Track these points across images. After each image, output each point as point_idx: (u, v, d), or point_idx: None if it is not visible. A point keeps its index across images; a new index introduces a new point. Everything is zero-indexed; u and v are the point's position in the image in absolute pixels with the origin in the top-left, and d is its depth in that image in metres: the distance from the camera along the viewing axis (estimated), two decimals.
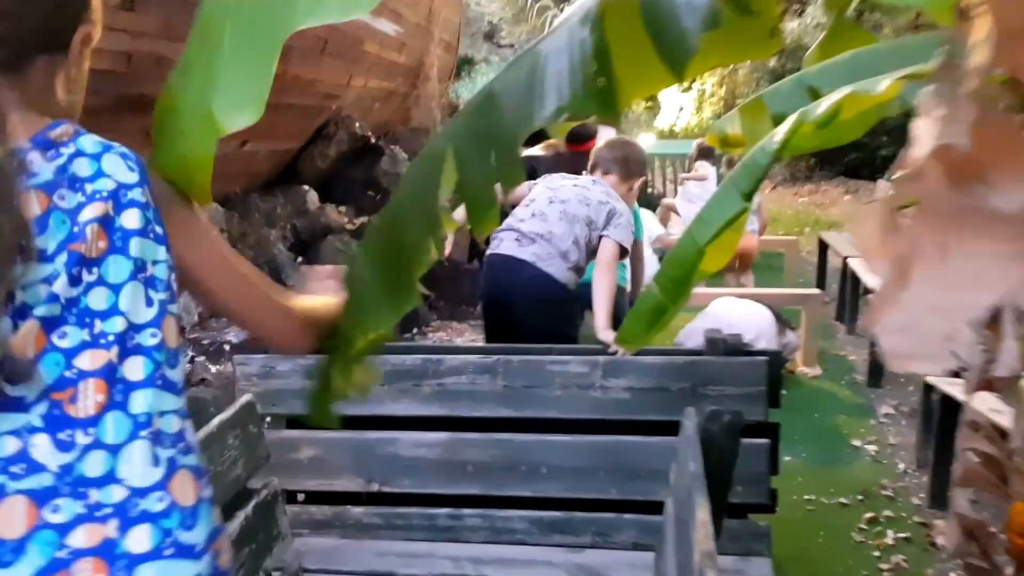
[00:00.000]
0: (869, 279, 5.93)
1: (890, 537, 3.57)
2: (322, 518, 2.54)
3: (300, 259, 5.47)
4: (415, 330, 6.18)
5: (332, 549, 2.46)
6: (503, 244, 3.56)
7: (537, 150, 5.83)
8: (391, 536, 2.50)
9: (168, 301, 1.09)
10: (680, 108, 16.53)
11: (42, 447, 0.98)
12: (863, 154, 13.07)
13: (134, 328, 1.04)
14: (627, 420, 2.41)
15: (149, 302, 1.06)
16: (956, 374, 3.82)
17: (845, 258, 6.73)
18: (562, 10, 20.80)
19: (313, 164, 6.23)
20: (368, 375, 1.39)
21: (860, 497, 3.95)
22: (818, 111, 1.79)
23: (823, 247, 7.85)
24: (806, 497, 3.94)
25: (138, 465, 1.02)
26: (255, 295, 1.23)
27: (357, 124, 6.62)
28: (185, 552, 1.04)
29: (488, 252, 3.68)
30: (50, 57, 1.10)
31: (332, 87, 6.45)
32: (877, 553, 3.45)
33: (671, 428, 2.35)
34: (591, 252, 3.49)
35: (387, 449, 2.48)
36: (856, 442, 4.59)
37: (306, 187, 5.98)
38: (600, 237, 3.46)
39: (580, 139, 5.61)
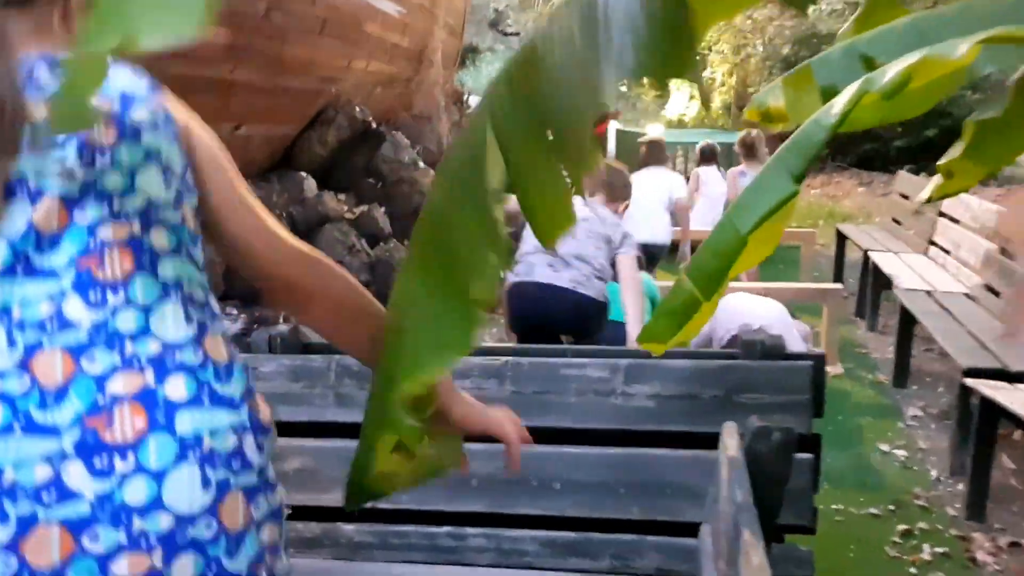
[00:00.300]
0: (893, 273, 5.69)
1: (927, 552, 3.31)
2: (310, 536, 2.28)
3: None
4: None
5: (321, 571, 2.21)
6: (536, 270, 3.46)
7: None
8: (386, 557, 2.23)
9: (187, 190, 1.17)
10: (690, 97, 16.24)
11: (75, 306, 1.04)
12: (877, 145, 12.80)
13: (155, 207, 1.11)
14: (652, 431, 2.14)
15: (167, 185, 1.13)
16: (997, 375, 3.58)
17: (866, 251, 6.48)
18: None
19: (311, 150, 5.97)
20: (439, 451, 1.18)
21: (892, 507, 3.70)
22: (884, 79, 1.53)
23: (841, 240, 7.57)
24: (834, 507, 3.68)
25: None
26: (273, 236, 1.24)
27: (357, 109, 6.36)
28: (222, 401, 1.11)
29: (518, 279, 3.50)
30: None
31: (331, 70, 6.20)
32: (914, 570, 3.20)
33: (701, 440, 2.10)
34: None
35: None
36: (884, 447, 4.32)
37: (303, 174, 5.72)
38: (616, 255, 3.53)
39: None
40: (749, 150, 7.14)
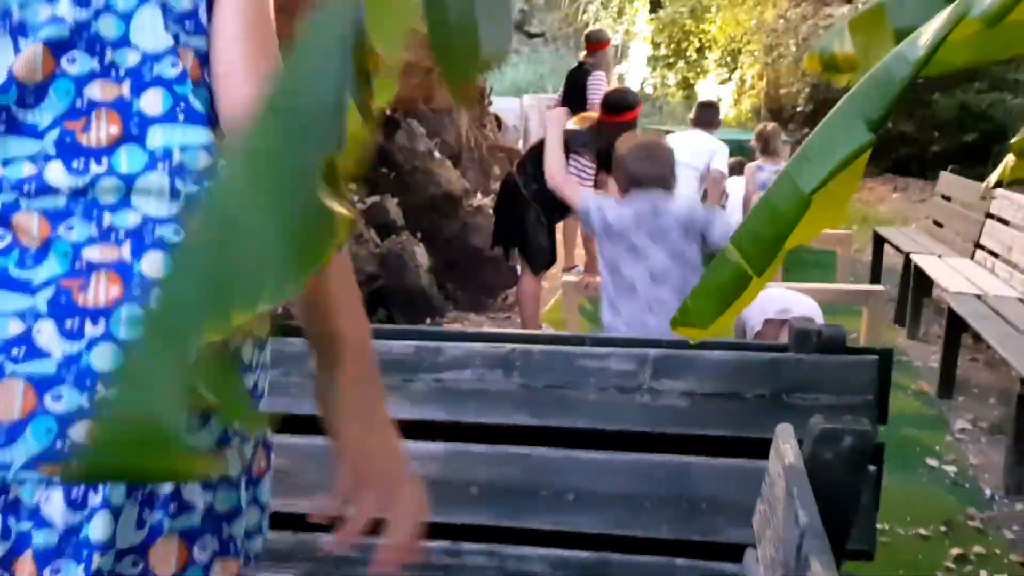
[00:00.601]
0: (938, 277, 5.35)
1: None
2: (284, 548, 1.97)
3: None
4: (428, 321, 5.60)
5: None
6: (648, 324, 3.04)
7: (571, 123, 5.26)
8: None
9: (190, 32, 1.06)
10: (718, 99, 15.87)
11: (56, 172, 1.00)
12: (913, 149, 12.40)
13: (149, 62, 1.04)
14: (685, 435, 1.81)
15: (165, 27, 1.04)
16: None
17: (908, 254, 6.12)
18: None
19: None
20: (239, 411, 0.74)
21: (943, 528, 3.35)
22: (985, 2, 1.22)
23: (878, 243, 7.20)
24: (879, 527, 3.32)
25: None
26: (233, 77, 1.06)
27: None
28: None
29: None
30: None
31: None
32: None
33: (744, 447, 1.77)
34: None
35: None
36: (932, 461, 3.96)
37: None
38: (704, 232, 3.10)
39: (618, 108, 5.05)
40: (766, 144, 6.92)
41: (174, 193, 1.02)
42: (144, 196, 1.02)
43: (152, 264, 1.01)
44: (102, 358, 0.98)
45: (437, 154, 6.59)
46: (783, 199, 1.43)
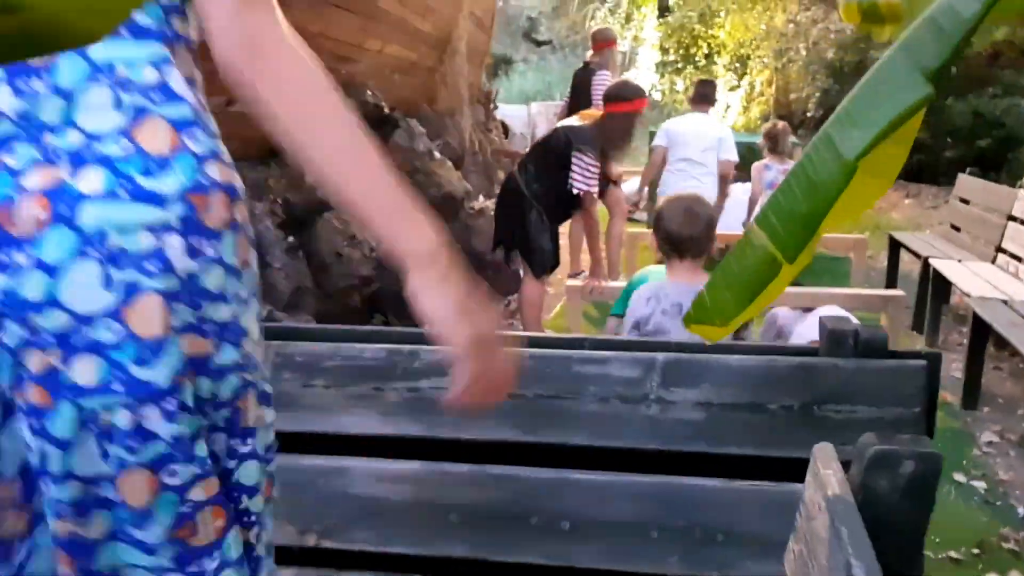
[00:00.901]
0: (959, 282, 5.10)
1: None
2: None
3: (291, 238, 4.65)
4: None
5: None
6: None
7: (574, 120, 5.03)
8: None
9: None
10: (727, 106, 15.60)
11: (3, 96, 0.97)
12: (925, 156, 12.13)
13: None
14: (698, 453, 1.56)
15: None
16: None
17: (926, 258, 5.87)
18: (604, 2, 20.09)
19: None
20: None
21: (976, 551, 3.08)
22: None
23: (894, 248, 6.94)
24: None
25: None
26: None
27: (369, 92, 5.82)
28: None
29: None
30: None
31: (343, 48, 5.67)
32: None
33: (769, 468, 1.51)
34: None
35: (332, 484, 1.63)
36: (959, 477, 3.70)
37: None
38: None
39: (620, 98, 4.82)
40: (775, 143, 6.71)
41: (118, 105, 0.98)
42: (85, 111, 0.98)
43: (88, 181, 0.97)
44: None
45: (437, 154, 6.35)
46: (822, 168, 1.17)
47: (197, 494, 1.03)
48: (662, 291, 2.80)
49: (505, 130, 11.48)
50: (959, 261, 5.72)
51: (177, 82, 1.04)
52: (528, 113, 13.52)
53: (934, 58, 1.13)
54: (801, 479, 1.44)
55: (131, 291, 0.98)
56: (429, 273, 1.06)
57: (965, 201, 6.80)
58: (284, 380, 1.65)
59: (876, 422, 1.46)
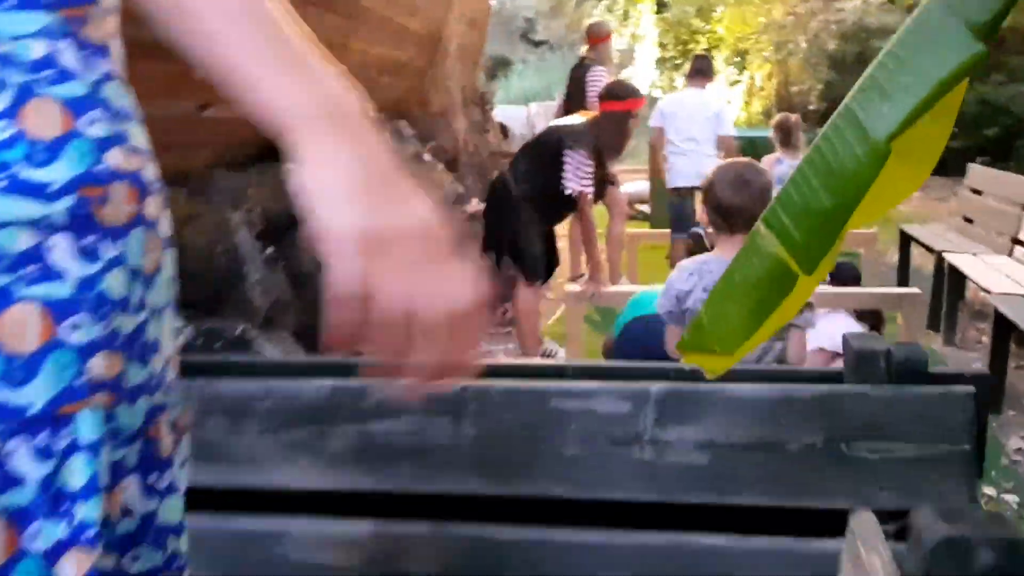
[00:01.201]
0: (977, 277, 4.86)
1: None
2: None
3: (269, 249, 4.42)
4: None
5: None
6: None
7: (568, 119, 4.84)
8: None
9: None
10: (728, 102, 15.40)
11: None
12: None
13: None
14: (702, 505, 1.30)
15: None
16: None
17: (940, 253, 5.64)
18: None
19: None
20: None
21: None
22: None
23: (905, 243, 6.70)
24: None
25: None
26: None
27: None
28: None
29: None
30: None
31: (324, 47, 5.44)
32: None
33: (788, 521, 1.25)
34: None
35: (268, 550, 1.37)
36: (989, 490, 3.44)
37: (286, 165, 4.94)
38: None
39: (616, 97, 4.61)
40: (786, 135, 6.60)
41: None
42: None
43: None
44: None
45: (427, 157, 6.12)
46: (845, 153, 0.92)
47: (69, 566, 0.78)
48: (706, 267, 2.56)
49: (504, 131, 11.28)
50: (974, 255, 5.51)
51: (74, 56, 0.86)
52: (527, 114, 13.43)
53: (982, 11, 0.88)
54: (827, 532, 1.18)
55: (1, 300, 0.80)
56: (319, 141, 0.74)
57: (977, 192, 6.60)
58: (208, 426, 1.39)
59: (916, 464, 1.20)
